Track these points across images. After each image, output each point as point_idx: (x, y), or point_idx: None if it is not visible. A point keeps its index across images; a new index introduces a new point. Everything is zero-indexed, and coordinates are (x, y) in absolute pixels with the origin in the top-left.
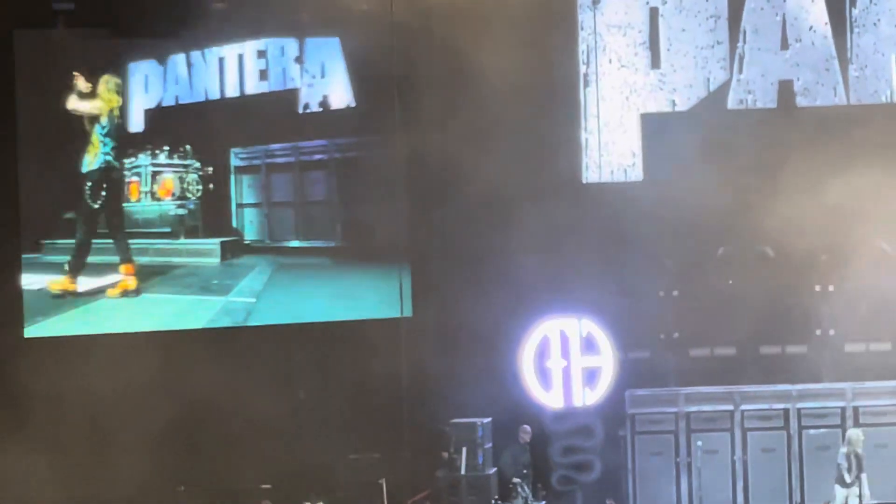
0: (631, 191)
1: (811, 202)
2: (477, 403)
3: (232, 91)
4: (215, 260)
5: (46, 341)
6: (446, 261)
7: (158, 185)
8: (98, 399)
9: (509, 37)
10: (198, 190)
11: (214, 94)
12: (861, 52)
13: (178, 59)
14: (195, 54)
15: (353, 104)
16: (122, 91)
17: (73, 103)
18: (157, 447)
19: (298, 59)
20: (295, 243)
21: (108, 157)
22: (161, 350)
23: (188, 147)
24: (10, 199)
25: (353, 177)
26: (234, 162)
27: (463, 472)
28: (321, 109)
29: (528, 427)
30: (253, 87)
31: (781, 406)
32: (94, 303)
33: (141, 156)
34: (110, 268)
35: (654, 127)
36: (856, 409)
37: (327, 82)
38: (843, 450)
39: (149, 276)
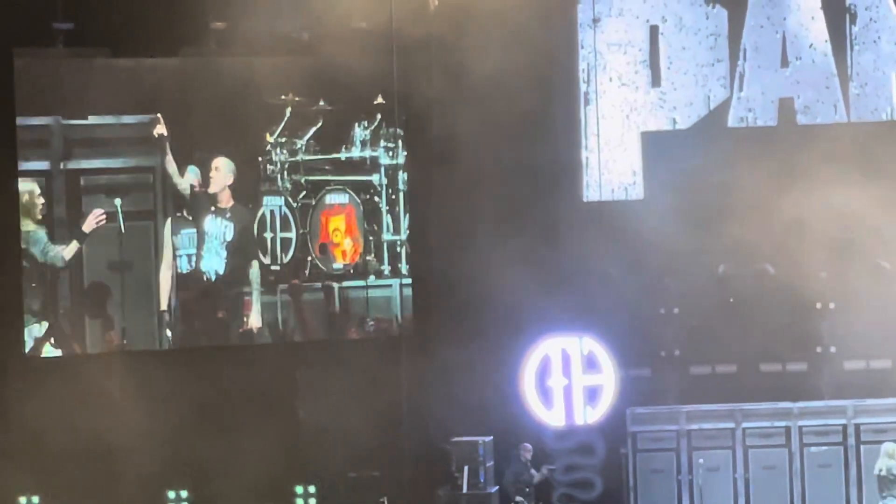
0: (632, 209)
1: (812, 219)
2: (478, 422)
3: None
4: None
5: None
6: (447, 278)
7: None
8: (101, 413)
9: (509, 55)
10: None
11: None
12: (861, 69)
13: None
14: None
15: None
16: None
17: None
18: (155, 463)
19: None
20: None
21: None
22: (163, 365)
23: None
24: (11, 213)
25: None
26: None
27: (464, 490)
28: None
29: (529, 445)
30: None
31: (783, 423)
32: None
33: None
34: None
35: (655, 145)
36: (857, 426)
37: None
38: (892, 462)
39: None
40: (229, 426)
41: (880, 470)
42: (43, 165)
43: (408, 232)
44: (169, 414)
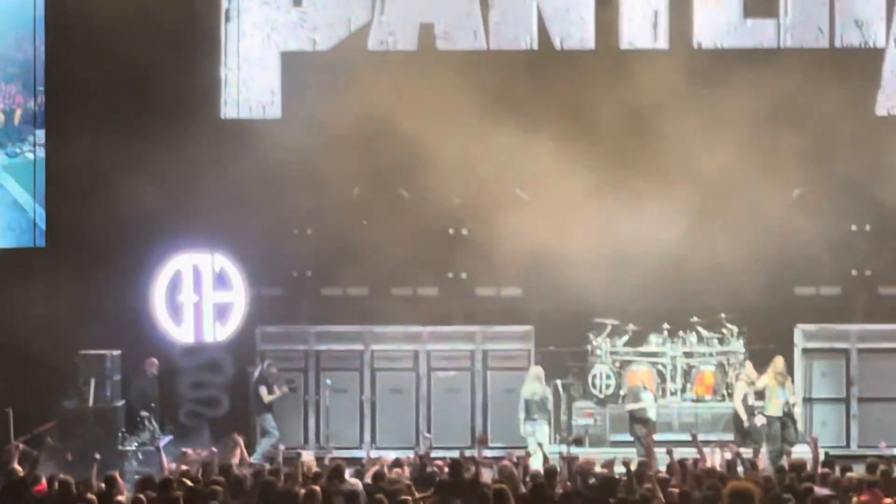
0: (269, 128)
1: (447, 145)
2: (106, 335)
3: None
4: None
5: None
6: (81, 192)
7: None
8: None
9: None
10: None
11: None
12: None
13: None
14: None
15: None
16: None
17: None
18: None
19: None
20: None
21: None
22: None
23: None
24: None
25: None
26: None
27: (91, 403)
28: None
29: (155, 360)
30: None
31: (411, 347)
32: None
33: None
34: None
35: (294, 65)
36: (485, 352)
37: None
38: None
39: None
40: None
41: (534, 394)
42: None
43: (43, 150)
44: None
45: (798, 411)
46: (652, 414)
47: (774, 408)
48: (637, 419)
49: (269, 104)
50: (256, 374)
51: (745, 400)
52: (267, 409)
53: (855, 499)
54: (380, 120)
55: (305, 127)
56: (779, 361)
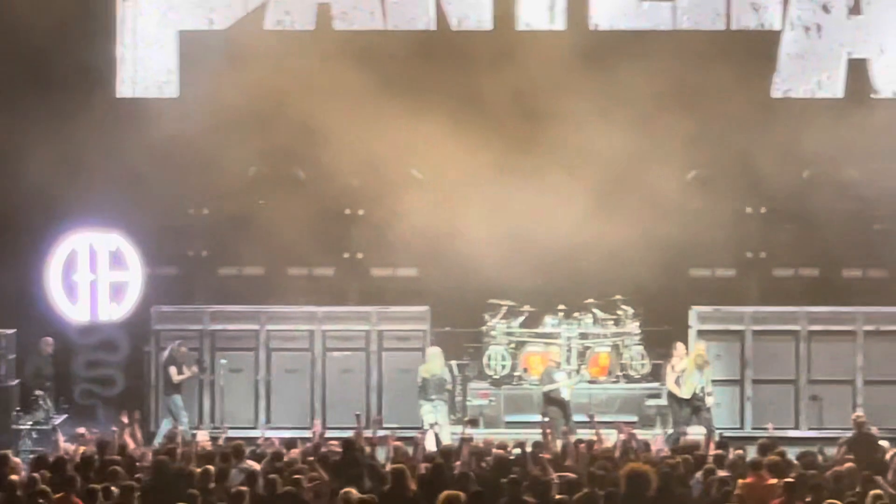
0: (166, 107)
1: (344, 125)
2: (1, 314)
3: None
4: None
5: None
6: None
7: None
8: None
9: None
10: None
11: None
12: None
13: None
14: None
15: None
16: None
17: None
18: None
19: None
20: None
21: None
22: None
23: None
24: None
25: None
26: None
27: None
28: None
29: (50, 339)
30: None
31: (307, 327)
32: None
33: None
34: None
35: (192, 44)
36: (380, 333)
37: None
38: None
39: None
40: None
41: (433, 374)
42: None
43: None
44: None
45: (710, 400)
46: (566, 394)
47: (687, 390)
48: (551, 400)
49: (165, 83)
50: (166, 354)
51: (677, 382)
52: (175, 390)
53: (741, 481)
54: (276, 100)
55: (202, 106)
56: (700, 346)
